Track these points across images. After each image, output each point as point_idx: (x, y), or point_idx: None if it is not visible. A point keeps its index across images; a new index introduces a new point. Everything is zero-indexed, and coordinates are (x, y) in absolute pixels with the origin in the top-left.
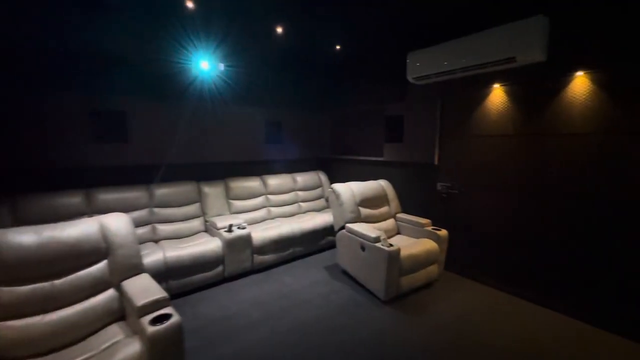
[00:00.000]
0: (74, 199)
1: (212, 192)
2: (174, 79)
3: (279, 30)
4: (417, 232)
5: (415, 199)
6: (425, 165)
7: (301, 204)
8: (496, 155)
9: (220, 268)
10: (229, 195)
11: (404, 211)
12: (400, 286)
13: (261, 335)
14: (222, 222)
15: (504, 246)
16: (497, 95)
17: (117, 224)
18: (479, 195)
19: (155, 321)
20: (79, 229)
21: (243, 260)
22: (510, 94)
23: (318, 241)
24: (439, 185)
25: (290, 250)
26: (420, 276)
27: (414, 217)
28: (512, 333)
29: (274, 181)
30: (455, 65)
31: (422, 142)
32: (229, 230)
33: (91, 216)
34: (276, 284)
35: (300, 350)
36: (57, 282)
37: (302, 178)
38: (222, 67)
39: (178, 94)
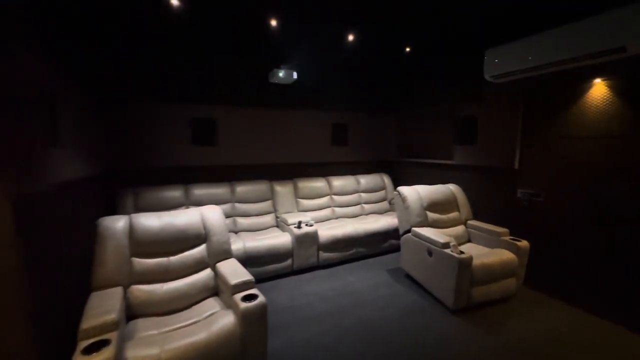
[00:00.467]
0: (177, 193)
1: (283, 190)
2: (253, 88)
3: (350, 37)
4: (492, 242)
5: (490, 206)
6: (503, 170)
7: (364, 205)
8: (594, 160)
9: (289, 261)
10: (298, 194)
11: (476, 219)
12: (471, 297)
13: (326, 328)
14: (291, 218)
15: (597, 264)
16: (598, 91)
17: (213, 214)
18: (569, 205)
19: (245, 299)
20: (186, 217)
21: (310, 256)
22: (616, 89)
23: (381, 243)
24: (519, 192)
25: (354, 250)
26: (495, 289)
27: (488, 225)
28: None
29: (338, 182)
30: (544, 60)
31: (499, 145)
32: (298, 226)
33: (188, 207)
34: (340, 281)
35: (363, 346)
36: (172, 258)
37: (365, 180)
38: (294, 75)
39: (256, 102)
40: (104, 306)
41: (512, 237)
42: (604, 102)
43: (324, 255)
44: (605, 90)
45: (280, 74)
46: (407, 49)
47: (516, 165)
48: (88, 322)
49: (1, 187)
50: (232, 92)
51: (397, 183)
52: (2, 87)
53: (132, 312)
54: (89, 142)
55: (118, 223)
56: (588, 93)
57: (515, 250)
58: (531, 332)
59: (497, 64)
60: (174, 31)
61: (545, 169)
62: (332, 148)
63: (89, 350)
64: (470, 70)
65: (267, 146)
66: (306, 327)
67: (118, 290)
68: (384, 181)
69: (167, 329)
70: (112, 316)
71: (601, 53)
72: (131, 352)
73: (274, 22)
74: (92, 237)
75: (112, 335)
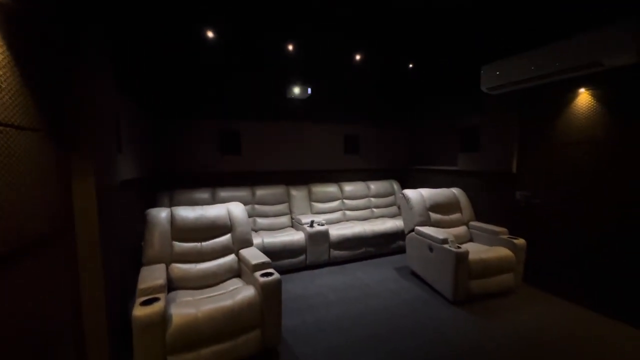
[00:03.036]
0: (205, 195)
1: (298, 194)
2: (273, 104)
3: (358, 56)
4: (492, 240)
5: (491, 208)
6: (502, 174)
7: (374, 209)
8: (581, 163)
9: (302, 257)
10: (311, 198)
11: (478, 220)
12: (470, 289)
13: (337, 313)
14: (305, 219)
15: (590, 261)
16: (584, 100)
17: (237, 209)
18: (563, 206)
19: (263, 275)
20: (216, 211)
21: (322, 253)
22: (598, 98)
23: (389, 244)
24: (517, 195)
25: (363, 250)
26: (493, 283)
27: (488, 225)
28: (594, 354)
29: (349, 187)
30: (532, 74)
31: (498, 151)
32: (311, 225)
33: None
34: (350, 276)
35: (370, 329)
36: (204, 243)
37: (375, 186)
38: (309, 90)
39: (275, 116)
40: (153, 275)
41: (510, 236)
42: (588, 110)
43: (335, 253)
44: (589, 99)
45: (296, 90)
46: (410, 65)
47: (514, 170)
48: (143, 284)
49: (90, 179)
50: (253, 108)
51: (406, 188)
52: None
53: (172, 285)
54: (138, 149)
55: (162, 213)
56: (574, 102)
57: (513, 247)
58: (526, 322)
59: (492, 78)
60: (206, 54)
61: (540, 173)
62: (345, 157)
63: (145, 304)
64: (471, 84)
65: (284, 155)
66: (317, 312)
67: (162, 266)
68: (393, 187)
69: (200, 297)
70: (161, 281)
71: (581, 66)
72: (174, 310)
73: (290, 47)
74: (141, 223)
75: (161, 295)
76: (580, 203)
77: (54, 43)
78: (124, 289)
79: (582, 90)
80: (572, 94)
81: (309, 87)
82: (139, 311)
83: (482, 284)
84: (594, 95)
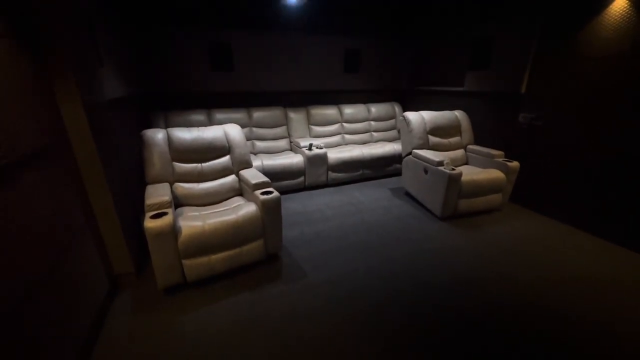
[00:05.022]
0: (200, 116)
1: (296, 117)
2: (267, 10)
3: None
4: (487, 163)
5: (493, 131)
6: (510, 95)
7: (373, 133)
8: (600, 82)
9: (301, 178)
10: (310, 121)
11: (479, 143)
12: (457, 207)
13: (332, 225)
14: (304, 142)
15: (584, 183)
16: (619, 5)
17: (234, 131)
18: (566, 128)
19: (263, 194)
20: (213, 132)
21: (320, 175)
22: (635, 2)
23: (386, 167)
24: (521, 117)
25: (360, 172)
26: (480, 202)
27: (485, 148)
28: (562, 260)
29: (349, 110)
30: None
31: (509, 68)
32: (309, 148)
33: None
34: (346, 196)
35: (362, 238)
36: (204, 164)
37: (376, 108)
38: None
39: (269, 25)
40: (159, 192)
41: (505, 159)
42: (621, 18)
43: (333, 175)
44: (626, 5)
45: None
46: None
47: (523, 89)
48: (151, 200)
49: (74, 96)
50: (245, 16)
51: (408, 111)
52: (66, 14)
53: (178, 202)
54: (123, 64)
55: (158, 134)
56: (607, 9)
57: (505, 169)
58: (504, 234)
59: None
60: None
61: (550, 93)
62: (345, 76)
63: (154, 217)
64: None
65: (280, 73)
66: (315, 225)
67: (166, 185)
68: (394, 110)
69: (205, 212)
70: (167, 198)
71: None
72: (183, 223)
73: None
74: (136, 146)
75: (169, 210)
76: (585, 127)
77: None
78: (133, 202)
79: None
80: None
81: None
82: (150, 223)
83: (470, 202)
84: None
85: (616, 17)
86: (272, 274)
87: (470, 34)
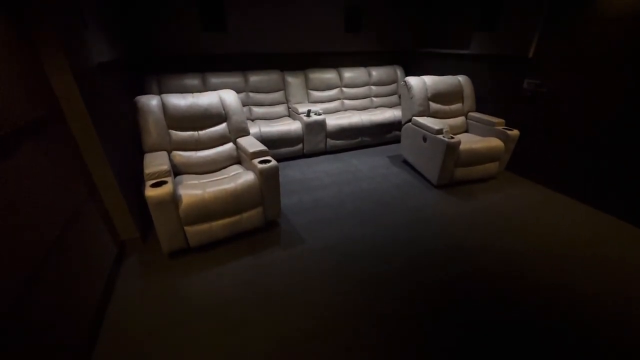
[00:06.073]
0: (195, 81)
1: (294, 81)
2: None
3: None
4: (487, 131)
5: (496, 97)
6: (517, 59)
7: (374, 98)
8: (613, 45)
9: (300, 145)
10: (308, 86)
11: (481, 110)
12: (453, 176)
13: (330, 192)
14: (302, 108)
15: (584, 153)
16: None
17: (230, 97)
18: (570, 95)
19: (261, 162)
20: (208, 98)
21: (318, 142)
22: None
23: (385, 134)
24: (525, 83)
25: (359, 139)
26: (477, 170)
27: (486, 116)
28: (551, 225)
29: (349, 74)
30: None
31: (520, 29)
32: (308, 115)
33: None
34: (344, 163)
35: (359, 204)
36: (201, 132)
37: (377, 72)
38: None
39: None
40: (156, 161)
41: (505, 127)
42: None
43: (332, 142)
44: None
45: None
46: None
47: (530, 54)
48: (150, 169)
49: (62, 62)
50: None
51: (410, 74)
52: None
53: (176, 170)
54: (109, 25)
55: (152, 101)
56: None
57: (505, 138)
58: (499, 201)
59: None
60: None
61: (558, 58)
62: (345, 36)
63: (154, 186)
64: None
65: (277, 33)
66: (314, 192)
67: (164, 153)
68: (396, 74)
69: (204, 180)
70: (165, 167)
71: None
72: (183, 191)
73: None
74: (131, 113)
75: (168, 179)
76: (590, 93)
77: None
78: (132, 170)
79: None
80: None
81: None
82: (151, 192)
83: (466, 171)
84: None
85: None
86: (271, 240)
87: None
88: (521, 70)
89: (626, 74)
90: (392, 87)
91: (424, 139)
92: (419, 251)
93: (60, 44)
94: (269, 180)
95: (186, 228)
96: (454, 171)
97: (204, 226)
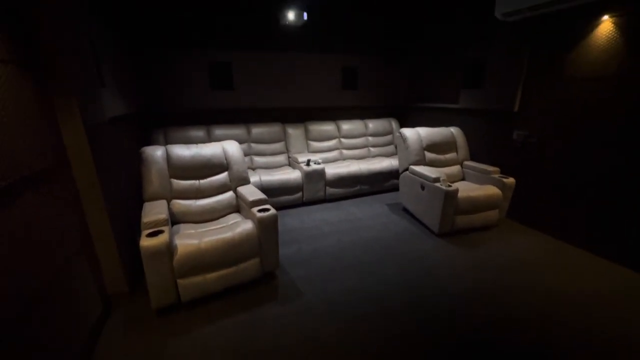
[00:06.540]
0: (200, 132)
1: (294, 132)
2: (266, 30)
3: None
4: (483, 179)
5: (488, 147)
6: (503, 113)
7: (371, 148)
8: (589, 99)
9: (299, 194)
10: (308, 137)
11: (475, 159)
12: (454, 223)
13: (330, 243)
14: (302, 157)
15: (578, 201)
16: (605, 28)
17: (232, 148)
18: (560, 146)
19: (260, 211)
20: (211, 149)
21: (318, 190)
22: (621, 26)
23: (383, 182)
24: (515, 134)
25: (358, 187)
26: (478, 218)
27: (481, 164)
28: (566, 278)
29: (347, 126)
30: None
31: (503, 88)
32: (307, 164)
33: None
34: (344, 211)
35: (359, 255)
36: (202, 181)
37: (373, 124)
38: (305, 16)
39: (269, 44)
40: (155, 210)
41: (501, 175)
42: (607, 40)
43: (331, 190)
44: (611, 28)
45: (291, 16)
46: None
47: (516, 108)
48: (147, 218)
49: (75, 112)
50: (245, 35)
51: (405, 127)
52: (68, 36)
53: (174, 219)
54: (124, 84)
55: (157, 151)
56: (595, 31)
57: (501, 185)
58: (503, 251)
59: (509, 1)
60: None
61: (542, 112)
62: (343, 92)
63: (150, 236)
64: (482, 9)
65: (279, 90)
66: (313, 241)
67: (163, 202)
68: (392, 125)
69: (202, 230)
70: (163, 216)
71: None
72: (179, 241)
73: None
74: (136, 163)
75: (165, 228)
76: (578, 143)
77: None
78: (130, 222)
79: (605, 17)
80: (596, 21)
81: (304, 12)
82: (146, 242)
83: (467, 219)
84: (617, 23)
85: (602, 40)
86: (268, 294)
87: (463, 55)
88: (509, 122)
89: (604, 127)
90: (388, 137)
91: (422, 187)
92: (425, 308)
93: (77, 101)
94: (267, 229)
95: (179, 281)
96: (454, 219)
97: (198, 278)
